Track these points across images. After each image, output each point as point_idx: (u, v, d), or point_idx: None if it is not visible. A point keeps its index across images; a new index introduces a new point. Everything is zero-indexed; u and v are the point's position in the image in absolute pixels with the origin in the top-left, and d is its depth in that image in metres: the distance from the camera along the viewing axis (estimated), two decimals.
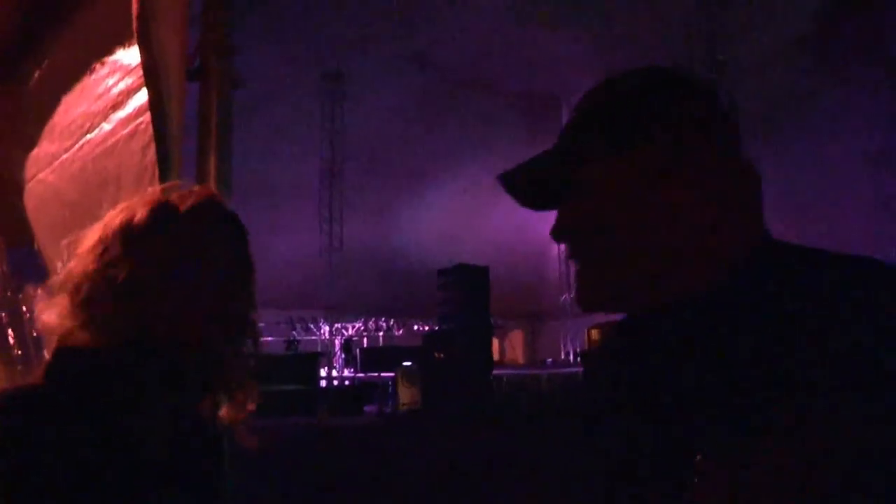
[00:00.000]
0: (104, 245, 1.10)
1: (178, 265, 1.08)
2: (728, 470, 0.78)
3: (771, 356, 0.80)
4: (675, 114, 0.90)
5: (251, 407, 1.21)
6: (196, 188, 1.19)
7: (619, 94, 0.94)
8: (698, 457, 0.81)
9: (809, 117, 18.24)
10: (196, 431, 1.17)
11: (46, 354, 2.62)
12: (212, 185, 1.72)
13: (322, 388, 18.41)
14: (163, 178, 1.51)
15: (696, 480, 0.81)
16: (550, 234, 0.96)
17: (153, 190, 1.20)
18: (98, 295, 1.06)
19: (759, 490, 0.75)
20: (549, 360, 23.48)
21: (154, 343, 1.06)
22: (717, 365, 0.85)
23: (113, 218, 1.14)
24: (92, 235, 1.13)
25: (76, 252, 1.13)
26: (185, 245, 1.10)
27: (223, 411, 1.19)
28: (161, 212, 1.11)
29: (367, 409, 17.04)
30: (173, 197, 1.14)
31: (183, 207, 1.12)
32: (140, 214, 1.11)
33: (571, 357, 23.44)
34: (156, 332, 1.06)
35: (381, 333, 24.70)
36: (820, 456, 0.73)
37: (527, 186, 0.98)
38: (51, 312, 1.11)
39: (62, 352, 1.08)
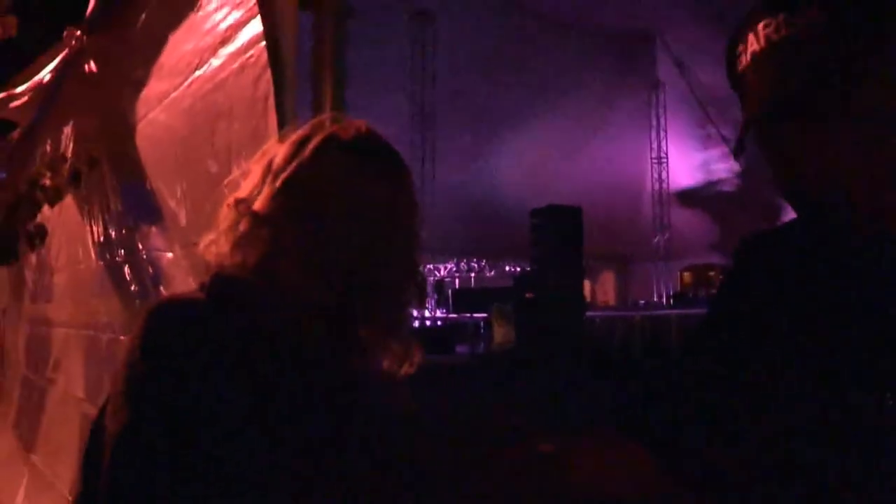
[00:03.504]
0: (263, 180, 1.09)
1: (333, 201, 1.06)
2: None
3: None
4: None
5: (411, 366, 1.19)
6: (354, 121, 1.15)
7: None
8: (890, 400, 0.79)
9: None
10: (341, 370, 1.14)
11: (163, 290, 2.72)
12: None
13: (415, 328, 18.70)
14: (279, 108, 1.51)
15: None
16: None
17: (318, 120, 1.16)
18: (254, 232, 1.07)
19: None
20: (642, 301, 23.16)
21: (306, 286, 1.06)
22: None
23: (272, 152, 1.13)
24: (255, 170, 1.12)
25: (240, 184, 1.13)
26: (342, 179, 1.08)
27: (385, 364, 1.18)
28: (322, 145, 1.09)
29: (458, 349, 17.25)
30: (334, 128, 1.12)
31: (342, 139, 1.10)
32: (304, 150, 1.09)
33: (664, 299, 23.05)
34: (308, 273, 1.06)
35: (472, 274, 24.83)
36: None
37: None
38: (209, 247, 1.11)
39: (219, 278, 1.08)
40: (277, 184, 1.07)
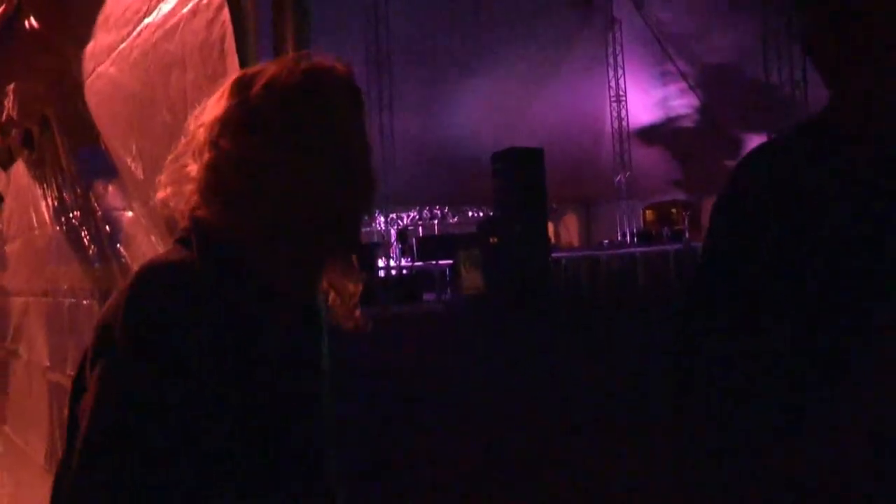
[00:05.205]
0: (225, 120, 1.03)
1: (295, 138, 1.02)
2: None
3: None
4: None
5: (357, 293, 1.16)
6: (320, 58, 1.11)
7: None
8: None
9: None
10: (314, 315, 1.15)
11: (122, 249, 2.63)
12: None
13: (380, 277, 18.71)
14: (240, 51, 1.44)
15: None
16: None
17: (284, 58, 1.11)
18: (225, 173, 1.02)
19: None
20: (606, 241, 23.37)
21: (283, 222, 1.02)
22: None
23: (229, 92, 1.06)
24: (213, 107, 1.06)
25: (198, 123, 1.06)
26: (299, 115, 1.03)
27: (332, 299, 1.16)
28: (272, 82, 1.04)
29: (425, 296, 17.32)
30: (283, 66, 1.06)
31: (295, 75, 1.04)
32: (255, 86, 1.04)
33: (628, 238, 23.28)
34: (282, 211, 1.02)
35: (436, 222, 24.83)
36: None
37: None
38: (177, 190, 1.06)
39: (201, 230, 1.03)
40: (253, 124, 1.02)
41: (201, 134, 1.04)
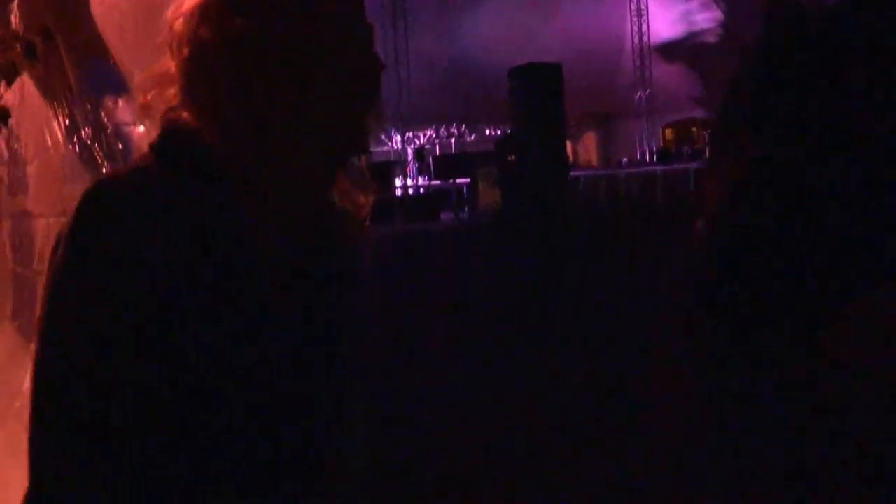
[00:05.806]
0: (205, 5, 0.92)
1: (283, 20, 0.91)
2: None
3: None
4: None
5: (368, 204, 1.07)
6: None
7: None
8: None
9: None
10: (315, 239, 1.02)
11: None
12: None
13: (398, 196, 18.70)
14: None
15: None
16: None
17: None
18: (205, 67, 0.91)
19: None
20: (625, 160, 23.11)
21: (272, 121, 0.91)
22: None
23: None
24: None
25: (177, 14, 0.94)
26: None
27: (341, 202, 1.05)
28: None
29: (442, 215, 17.34)
30: None
31: None
32: None
33: (647, 156, 22.99)
34: (270, 106, 0.91)
35: (453, 140, 24.63)
36: None
37: None
38: (159, 93, 0.96)
39: (170, 132, 0.94)
40: (237, 6, 0.91)
41: (179, 25, 0.93)
